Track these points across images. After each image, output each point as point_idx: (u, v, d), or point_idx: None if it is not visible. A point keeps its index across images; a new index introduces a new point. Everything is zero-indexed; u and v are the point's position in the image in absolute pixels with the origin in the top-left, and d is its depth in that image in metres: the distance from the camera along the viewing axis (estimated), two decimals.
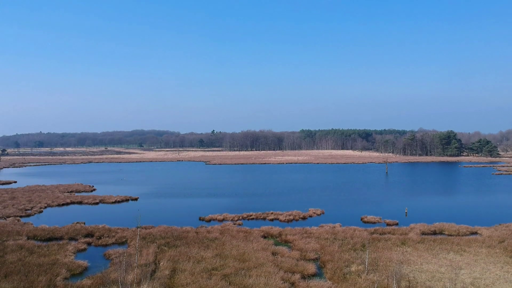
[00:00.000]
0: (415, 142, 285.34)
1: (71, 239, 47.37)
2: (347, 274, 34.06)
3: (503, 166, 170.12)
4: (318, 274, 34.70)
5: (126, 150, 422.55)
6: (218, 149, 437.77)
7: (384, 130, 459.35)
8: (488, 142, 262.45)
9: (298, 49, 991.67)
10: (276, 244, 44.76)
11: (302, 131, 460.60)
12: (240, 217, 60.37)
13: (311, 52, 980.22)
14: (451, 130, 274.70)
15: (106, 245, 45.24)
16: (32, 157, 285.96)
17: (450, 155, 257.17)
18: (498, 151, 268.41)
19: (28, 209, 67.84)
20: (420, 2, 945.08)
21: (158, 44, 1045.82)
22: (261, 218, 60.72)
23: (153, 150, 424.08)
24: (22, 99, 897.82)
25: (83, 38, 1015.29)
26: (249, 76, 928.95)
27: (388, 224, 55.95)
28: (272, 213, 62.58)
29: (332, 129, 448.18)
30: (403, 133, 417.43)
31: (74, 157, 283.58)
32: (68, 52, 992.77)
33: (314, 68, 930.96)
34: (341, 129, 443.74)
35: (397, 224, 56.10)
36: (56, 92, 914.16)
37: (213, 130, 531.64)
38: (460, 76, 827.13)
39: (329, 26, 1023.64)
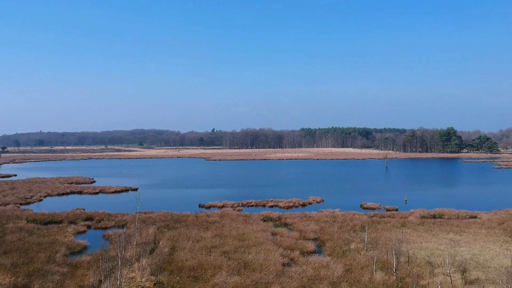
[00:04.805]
0: (415, 139, 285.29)
1: (71, 222, 47.36)
2: (346, 251, 34.10)
3: (503, 161, 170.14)
4: (317, 252, 34.76)
5: (126, 148, 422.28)
6: (218, 147, 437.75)
7: (384, 128, 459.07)
8: (488, 138, 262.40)
9: (298, 48, 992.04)
10: (276, 226, 44.80)
11: (302, 129, 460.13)
12: (240, 204, 60.39)
13: (312, 51, 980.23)
14: (451, 127, 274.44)
15: (105, 228, 45.29)
16: (32, 154, 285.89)
17: (450, 152, 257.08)
18: (498, 148, 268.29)
19: (28, 198, 67.82)
20: (421, 0, 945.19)
21: (158, 43, 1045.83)
22: (260, 205, 60.72)
23: (153, 148, 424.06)
24: (22, 98, 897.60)
25: (84, 37, 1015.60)
26: (249, 75, 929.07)
27: (387, 210, 56.00)
28: (271, 201, 62.60)
29: (332, 127, 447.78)
30: (403, 131, 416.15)
31: (74, 154, 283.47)
32: (68, 51, 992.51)
33: (314, 67, 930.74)
34: (341, 127, 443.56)
35: (396, 210, 56.13)
36: (56, 92, 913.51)
37: (213, 129, 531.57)
38: (460, 75, 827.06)
39: (330, 25, 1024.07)
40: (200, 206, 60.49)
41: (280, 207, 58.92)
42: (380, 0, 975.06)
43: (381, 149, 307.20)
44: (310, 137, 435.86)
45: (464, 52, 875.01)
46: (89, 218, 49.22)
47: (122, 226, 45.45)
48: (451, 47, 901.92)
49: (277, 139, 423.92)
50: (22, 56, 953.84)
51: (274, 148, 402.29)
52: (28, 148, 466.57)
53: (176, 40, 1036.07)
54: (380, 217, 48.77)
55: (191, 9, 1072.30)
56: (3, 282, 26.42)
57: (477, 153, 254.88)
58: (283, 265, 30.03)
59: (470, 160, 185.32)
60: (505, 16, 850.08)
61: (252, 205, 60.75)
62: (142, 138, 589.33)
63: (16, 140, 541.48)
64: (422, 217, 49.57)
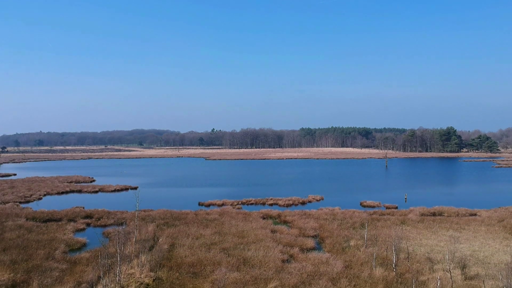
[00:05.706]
0: (415, 139, 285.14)
1: (70, 220, 47.30)
2: (346, 248, 34.06)
3: (503, 161, 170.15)
4: (317, 248, 34.72)
5: (126, 148, 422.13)
6: (218, 147, 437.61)
7: (384, 128, 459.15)
8: (488, 138, 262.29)
9: (299, 48, 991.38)
10: (275, 224, 44.77)
11: (302, 129, 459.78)
12: (240, 202, 60.33)
13: (312, 50, 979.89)
14: (451, 127, 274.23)
15: (105, 226, 45.26)
16: (32, 154, 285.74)
17: (450, 151, 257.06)
18: (498, 147, 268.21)
19: (28, 196, 67.78)
20: (421, 1, 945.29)
21: (158, 43, 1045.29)
22: (260, 203, 60.69)
23: (153, 148, 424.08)
24: (22, 98, 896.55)
25: (84, 37, 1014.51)
26: (249, 75, 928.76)
27: (387, 208, 55.91)
28: (271, 199, 62.57)
29: (332, 127, 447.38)
30: (403, 131, 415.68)
31: (74, 154, 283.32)
32: (68, 51, 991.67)
33: (314, 67, 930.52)
34: (341, 127, 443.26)
35: (396, 207, 56.06)
36: (56, 92, 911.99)
37: (213, 129, 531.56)
38: (460, 75, 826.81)
39: (330, 25, 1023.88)
40: (199, 204, 60.49)
41: (279, 205, 58.89)
42: (380, 0, 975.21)
43: (381, 149, 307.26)
44: (310, 137, 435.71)
45: (464, 52, 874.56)
46: (88, 216, 49.16)
47: (122, 224, 45.44)
48: (451, 47, 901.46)
49: (277, 139, 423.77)
50: (22, 56, 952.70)
51: (274, 148, 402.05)
52: (28, 148, 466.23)
53: (176, 40, 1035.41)
54: (379, 215, 48.74)
55: (191, 9, 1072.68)
56: (2, 278, 26.37)
57: (477, 152, 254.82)
58: (283, 261, 29.99)
59: (470, 159, 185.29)
60: (505, 16, 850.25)
61: (252, 203, 60.73)
62: (142, 138, 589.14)
63: (16, 140, 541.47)
64: (422, 214, 49.51)
